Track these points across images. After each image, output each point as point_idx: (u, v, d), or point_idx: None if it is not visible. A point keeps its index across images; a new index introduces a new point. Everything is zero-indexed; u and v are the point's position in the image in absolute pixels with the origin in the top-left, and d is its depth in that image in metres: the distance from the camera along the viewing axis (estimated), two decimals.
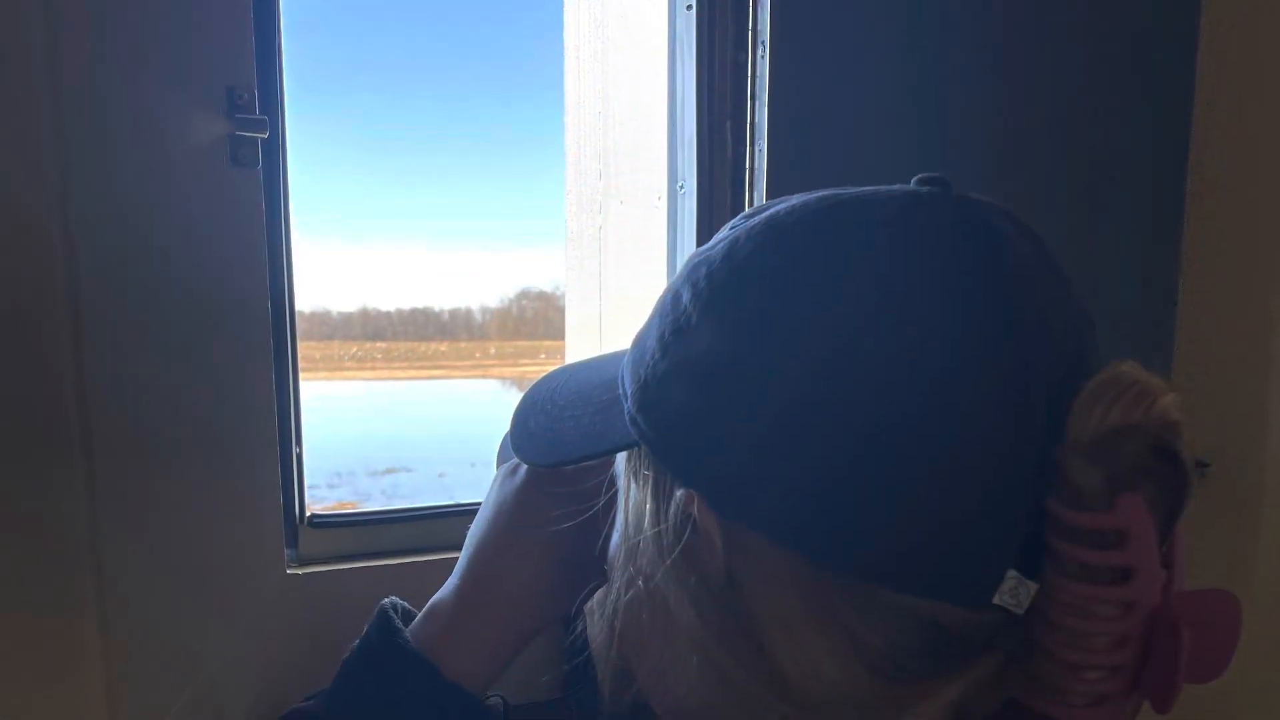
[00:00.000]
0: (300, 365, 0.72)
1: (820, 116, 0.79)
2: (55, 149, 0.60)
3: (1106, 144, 0.89)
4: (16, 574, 0.62)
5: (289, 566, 0.71)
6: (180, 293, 0.64)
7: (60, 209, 0.61)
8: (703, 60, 0.81)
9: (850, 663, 0.39)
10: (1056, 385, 0.36)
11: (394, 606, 0.56)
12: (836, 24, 0.78)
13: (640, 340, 0.45)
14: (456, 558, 0.57)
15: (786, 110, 0.78)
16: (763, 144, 0.78)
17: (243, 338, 0.66)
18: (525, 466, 0.55)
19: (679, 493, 0.41)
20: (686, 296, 0.42)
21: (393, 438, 1.99)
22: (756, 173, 0.80)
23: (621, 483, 0.47)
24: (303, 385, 0.72)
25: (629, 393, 0.44)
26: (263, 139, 0.65)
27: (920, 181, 0.42)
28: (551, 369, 0.58)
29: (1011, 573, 0.36)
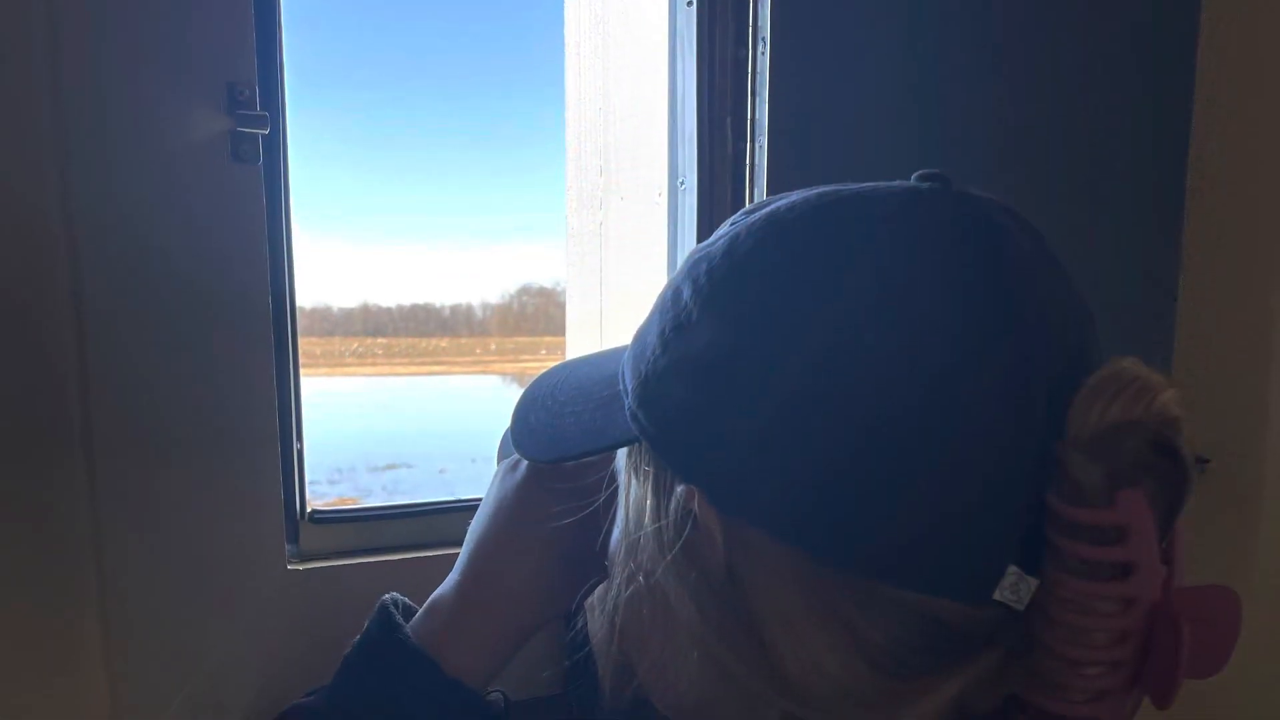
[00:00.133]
0: (301, 361, 0.72)
1: (820, 113, 0.79)
2: (56, 146, 0.60)
3: (1107, 140, 0.89)
4: (17, 569, 0.63)
5: (290, 562, 0.71)
6: (181, 289, 0.64)
7: (61, 205, 0.61)
8: (703, 56, 0.81)
9: (851, 658, 0.39)
10: (1057, 379, 0.36)
11: (395, 602, 0.56)
12: (837, 20, 0.78)
13: (641, 336, 0.45)
14: (457, 554, 0.57)
15: (787, 106, 0.78)
16: (763, 140, 0.78)
17: (243, 333, 0.66)
18: (526, 462, 0.55)
19: (679, 488, 0.41)
20: (687, 292, 0.42)
21: (393, 433, 1.99)
22: (757, 169, 0.80)
23: (622, 478, 0.47)
24: (303, 381, 0.72)
25: (629, 388, 0.44)
26: (263, 135, 0.65)
27: (920, 177, 0.42)
28: (552, 365, 0.58)
29: (1012, 568, 0.36)
